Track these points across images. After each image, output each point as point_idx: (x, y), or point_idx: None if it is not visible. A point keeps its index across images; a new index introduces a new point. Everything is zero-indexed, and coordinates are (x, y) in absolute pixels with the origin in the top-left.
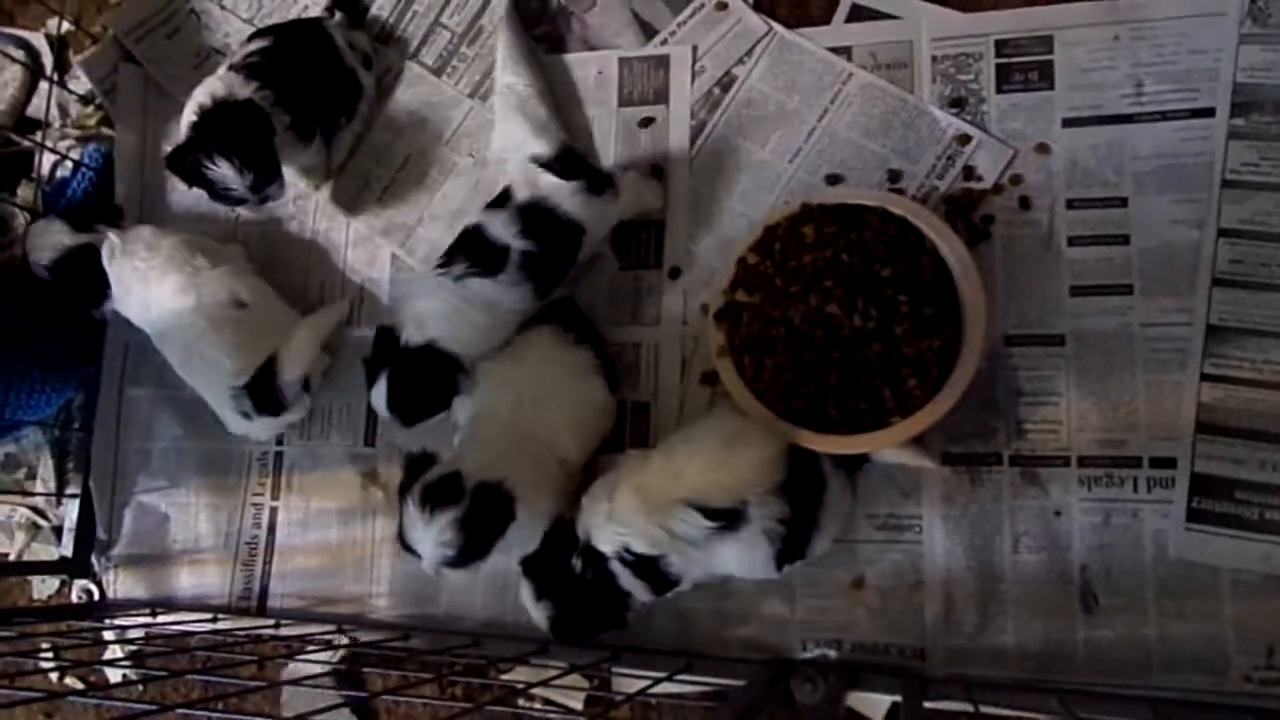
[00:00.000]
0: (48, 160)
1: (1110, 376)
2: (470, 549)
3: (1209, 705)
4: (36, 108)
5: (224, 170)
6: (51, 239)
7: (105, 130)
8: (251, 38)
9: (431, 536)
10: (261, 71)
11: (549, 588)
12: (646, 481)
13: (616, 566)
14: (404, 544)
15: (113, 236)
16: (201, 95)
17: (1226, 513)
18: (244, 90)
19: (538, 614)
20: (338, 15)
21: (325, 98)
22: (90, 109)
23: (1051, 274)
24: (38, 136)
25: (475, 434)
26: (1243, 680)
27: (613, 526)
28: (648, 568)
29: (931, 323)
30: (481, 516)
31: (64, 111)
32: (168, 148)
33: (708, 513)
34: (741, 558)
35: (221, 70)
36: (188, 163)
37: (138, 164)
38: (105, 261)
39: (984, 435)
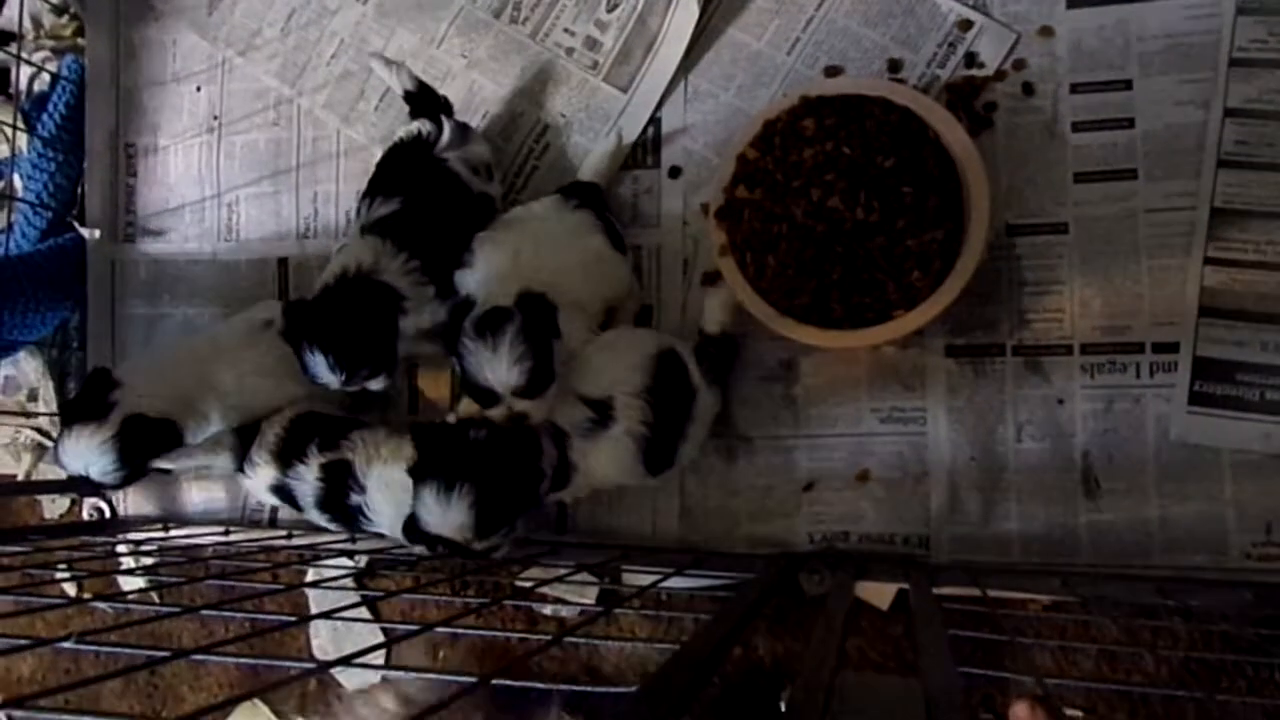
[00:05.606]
0: (24, 74)
1: (1113, 263)
2: (536, 361)
3: (1210, 582)
4: (8, 20)
5: (318, 362)
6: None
7: (81, 41)
8: (374, 192)
9: (504, 360)
10: (406, 239)
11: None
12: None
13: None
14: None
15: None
16: (348, 257)
17: (1228, 394)
18: (392, 264)
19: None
20: (446, 132)
21: (463, 238)
22: (64, 19)
23: (1055, 161)
24: (13, 49)
25: (490, 291)
26: (1243, 557)
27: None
28: (559, 444)
29: (935, 214)
30: (535, 324)
31: (37, 23)
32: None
33: (586, 401)
34: (610, 456)
35: (355, 233)
36: (293, 330)
37: (111, 73)
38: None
39: (987, 326)
